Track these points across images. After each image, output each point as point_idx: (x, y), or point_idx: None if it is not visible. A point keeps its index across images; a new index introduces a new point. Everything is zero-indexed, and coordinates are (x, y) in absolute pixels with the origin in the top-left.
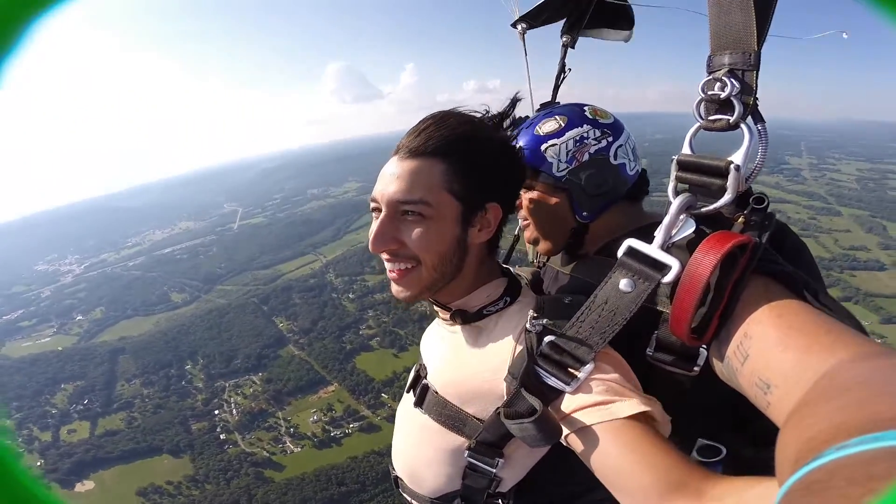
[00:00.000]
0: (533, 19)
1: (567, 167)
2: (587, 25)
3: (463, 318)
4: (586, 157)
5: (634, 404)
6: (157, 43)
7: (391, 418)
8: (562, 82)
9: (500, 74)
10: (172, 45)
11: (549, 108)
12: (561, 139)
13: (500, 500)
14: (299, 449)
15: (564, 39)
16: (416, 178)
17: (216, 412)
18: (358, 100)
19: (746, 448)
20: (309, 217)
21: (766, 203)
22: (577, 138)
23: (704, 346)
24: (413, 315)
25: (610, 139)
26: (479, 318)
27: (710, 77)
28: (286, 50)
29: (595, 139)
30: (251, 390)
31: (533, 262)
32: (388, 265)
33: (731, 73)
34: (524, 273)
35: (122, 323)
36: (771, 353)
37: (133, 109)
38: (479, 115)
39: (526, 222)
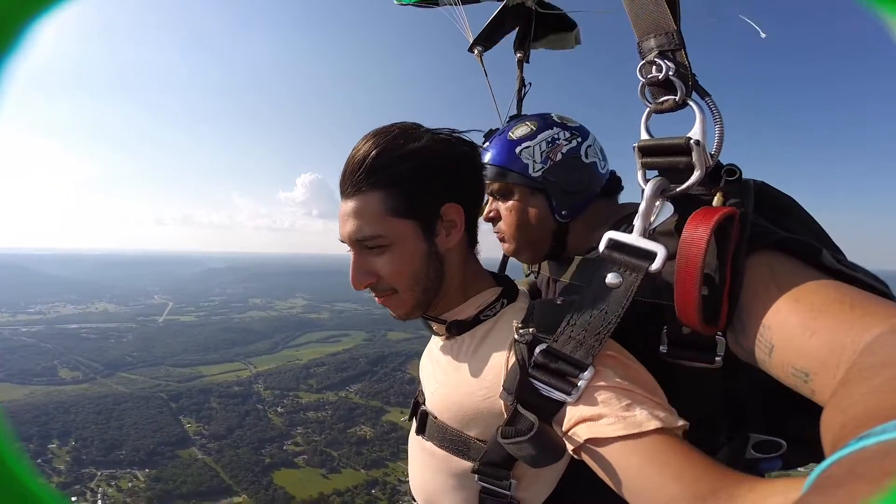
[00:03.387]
0: (486, 41)
1: (542, 167)
2: (535, 38)
3: (458, 328)
4: (559, 156)
5: (646, 417)
6: (142, 111)
7: None
8: (524, 96)
9: None
10: (150, 115)
11: (518, 118)
12: (534, 141)
13: None
14: None
15: (518, 55)
16: (362, 216)
17: (74, 498)
18: (324, 216)
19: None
20: (246, 326)
21: (738, 174)
22: (549, 139)
23: (720, 333)
24: (350, 438)
25: (579, 140)
26: (476, 323)
27: (644, 62)
28: (266, 152)
29: (566, 139)
30: (130, 485)
31: (526, 273)
32: (374, 295)
33: (662, 54)
34: (522, 285)
35: None
36: (798, 342)
37: (88, 165)
38: (402, 126)
39: (501, 234)
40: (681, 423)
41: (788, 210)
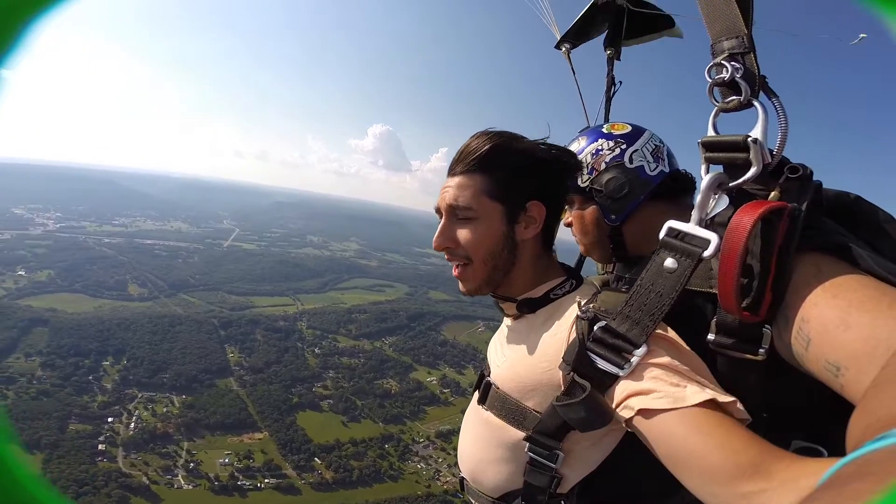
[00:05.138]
0: (575, 38)
1: (589, 177)
2: (627, 35)
3: (529, 305)
4: (603, 165)
5: (694, 392)
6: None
7: (318, 486)
8: (613, 95)
9: None
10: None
11: (580, 133)
12: (581, 155)
13: (562, 501)
14: (191, 487)
15: (609, 52)
16: (463, 189)
17: (110, 419)
18: (388, 167)
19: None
20: (300, 262)
21: (801, 172)
22: (593, 152)
23: (766, 326)
24: (377, 389)
25: (623, 146)
26: (546, 301)
27: (713, 63)
28: (344, 100)
29: (609, 149)
30: (164, 410)
31: (600, 272)
32: (450, 262)
33: (731, 56)
34: (595, 281)
35: (63, 295)
36: (833, 335)
37: (185, 94)
38: (512, 132)
39: (575, 237)
40: (729, 399)
41: (881, 226)
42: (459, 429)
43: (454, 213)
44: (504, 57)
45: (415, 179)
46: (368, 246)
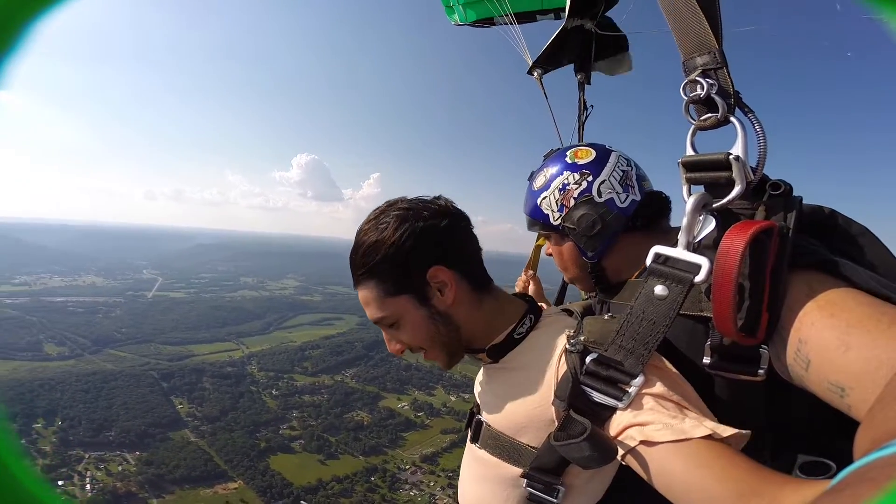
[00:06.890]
0: (546, 63)
1: (560, 215)
2: (597, 58)
3: (497, 351)
4: (572, 201)
5: (693, 424)
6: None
7: None
8: (585, 119)
9: (482, 211)
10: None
11: (544, 161)
12: (548, 191)
13: None
14: None
15: (579, 77)
16: (368, 305)
17: (60, 482)
18: (319, 198)
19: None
20: (238, 305)
21: (783, 189)
22: (560, 187)
23: (763, 346)
24: (348, 423)
25: (590, 179)
26: (512, 344)
27: (687, 80)
28: (265, 128)
29: (576, 183)
30: (120, 468)
31: (584, 298)
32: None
33: (704, 73)
34: (576, 307)
35: None
36: (834, 356)
37: (82, 135)
38: (367, 221)
39: (560, 270)
40: (729, 431)
41: (855, 239)
42: (443, 450)
43: (380, 324)
44: (443, 77)
45: (348, 208)
46: (308, 281)
